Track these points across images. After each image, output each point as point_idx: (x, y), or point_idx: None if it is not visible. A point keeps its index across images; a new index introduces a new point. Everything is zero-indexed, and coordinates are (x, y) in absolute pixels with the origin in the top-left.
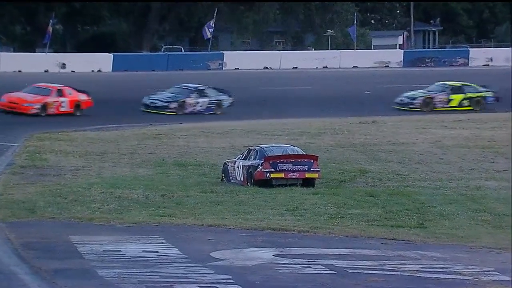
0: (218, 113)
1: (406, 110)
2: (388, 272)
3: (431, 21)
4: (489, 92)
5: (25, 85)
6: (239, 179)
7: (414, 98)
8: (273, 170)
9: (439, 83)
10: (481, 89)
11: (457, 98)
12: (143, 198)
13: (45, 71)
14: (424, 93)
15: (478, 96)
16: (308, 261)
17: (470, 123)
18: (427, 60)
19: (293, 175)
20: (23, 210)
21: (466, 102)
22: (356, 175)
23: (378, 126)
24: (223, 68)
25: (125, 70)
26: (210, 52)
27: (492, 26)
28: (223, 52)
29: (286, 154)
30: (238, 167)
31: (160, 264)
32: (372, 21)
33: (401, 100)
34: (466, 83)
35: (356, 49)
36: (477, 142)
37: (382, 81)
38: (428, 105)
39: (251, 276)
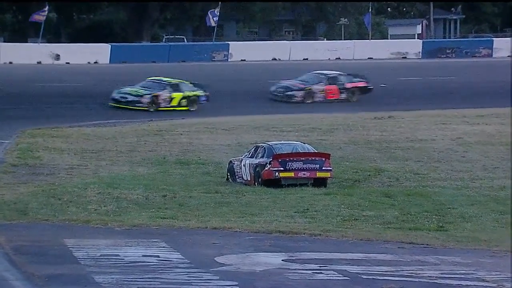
0: None
1: (131, 108)
2: (406, 278)
3: (452, 9)
4: (202, 91)
5: (18, 77)
6: (245, 179)
7: (141, 96)
8: (282, 169)
9: (152, 78)
10: (194, 87)
11: (177, 96)
12: (143, 199)
13: (38, 62)
14: (146, 90)
15: (194, 95)
16: (320, 266)
17: (493, 118)
18: (447, 51)
19: (304, 174)
20: (15, 212)
21: (184, 102)
22: (371, 174)
23: (395, 121)
24: (229, 60)
25: (123, 62)
26: (215, 43)
27: None
28: (229, 42)
29: (296, 152)
30: (244, 165)
31: (161, 270)
32: (389, 8)
33: (123, 97)
34: (182, 80)
35: (371, 39)
36: (501, 138)
37: (399, 73)
38: (153, 104)
39: (259, 282)
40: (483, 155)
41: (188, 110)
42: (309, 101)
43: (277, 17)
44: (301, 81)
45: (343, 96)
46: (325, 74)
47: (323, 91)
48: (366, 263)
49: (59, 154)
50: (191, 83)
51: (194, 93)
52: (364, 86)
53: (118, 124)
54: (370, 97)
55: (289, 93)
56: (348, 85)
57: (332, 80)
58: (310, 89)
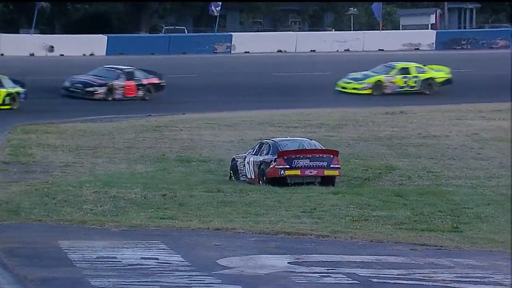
0: None
1: None
2: (418, 282)
3: None
4: (21, 88)
5: (10, 70)
6: (249, 177)
7: None
8: (288, 166)
9: None
10: (13, 83)
11: (2, 93)
12: (141, 198)
13: (30, 54)
14: None
15: (15, 92)
16: (328, 269)
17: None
18: (463, 42)
19: (311, 172)
20: (6, 212)
21: (7, 99)
22: (381, 172)
23: (407, 117)
24: (232, 52)
25: (120, 54)
26: (217, 34)
27: None
28: (232, 33)
29: (302, 148)
30: (248, 163)
31: (161, 273)
32: None
33: None
34: (2, 75)
35: (382, 29)
36: None
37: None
38: None
39: (263, 286)
40: (500, 152)
41: (11, 108)
42: (110, 98)
43: (283, 7)
44: (96, 76)
45: (141, 93)
46: (121, 69)
47: (122, 87)
48: (377, 266)
49: (53, 151)
50: (10, 79)
51: (16, 89)
52: (158, 83)
53: (115, 119)
54: (163, 95)
55: (89, 89)
56: (145, 81)
57: (129, 75)
58: (112, 84)
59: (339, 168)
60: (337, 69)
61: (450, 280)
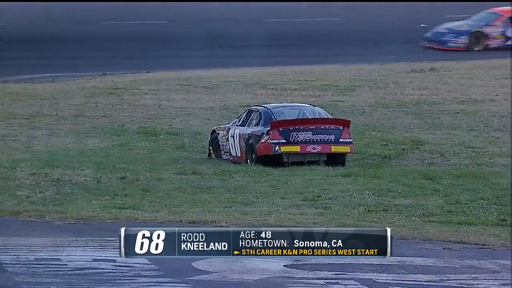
0: None
1: None
2: None
3: None
4: None
5: None
6: (234, 155)
7: None
8: (284, 141)
9: None
10: None
11: None
12: (94, 182)
13: None
14: None
15: None
16: (336, 274)
17: None
18: None
19: (314, 148)
20: None
21: None
22: (406, 148)
23: (440, 76)
24: None
25: None
26: None
27: None
28: None
29: (303, 118)
30: (233, 136)
31: (119, 279)
32: None
33: None
34: None
35: None
36: None
37: (443, 10)
38: None
39: None
40: None
41: None
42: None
43: None
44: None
45: None
46: None
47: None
48: (399, 269)
49: None
50: None
51: None
52: None
53: (59, 79)
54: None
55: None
56: None
57: None
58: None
59: (350, 143)
60: (348, 15)
61: None
